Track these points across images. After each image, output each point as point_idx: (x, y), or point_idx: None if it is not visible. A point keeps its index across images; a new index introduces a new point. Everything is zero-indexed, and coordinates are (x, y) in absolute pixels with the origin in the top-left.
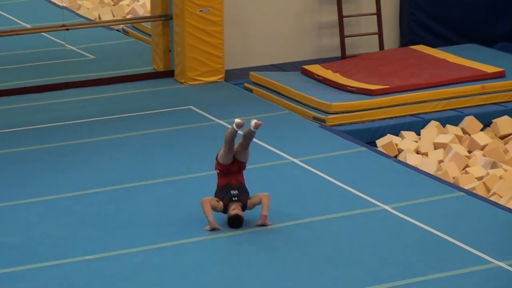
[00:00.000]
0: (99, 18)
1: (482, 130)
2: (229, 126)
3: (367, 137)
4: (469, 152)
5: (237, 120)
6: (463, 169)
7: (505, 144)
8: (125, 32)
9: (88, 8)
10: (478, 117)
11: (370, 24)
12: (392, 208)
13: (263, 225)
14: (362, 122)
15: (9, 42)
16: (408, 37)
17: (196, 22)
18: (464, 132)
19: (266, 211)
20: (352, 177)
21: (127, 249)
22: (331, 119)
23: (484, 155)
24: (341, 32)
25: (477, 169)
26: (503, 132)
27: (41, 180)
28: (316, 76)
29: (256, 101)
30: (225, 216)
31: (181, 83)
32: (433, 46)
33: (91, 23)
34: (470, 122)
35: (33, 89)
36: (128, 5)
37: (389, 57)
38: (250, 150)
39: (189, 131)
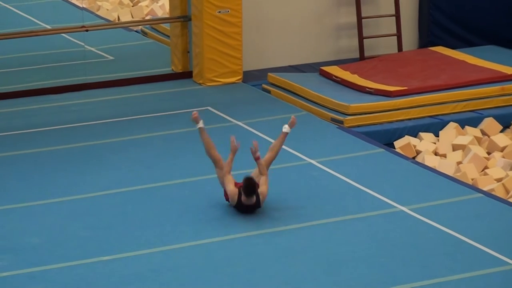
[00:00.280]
0: (118, 19)
1: (501, 131)
2: (247, 127)
3: (385, 138)
4: (488, 153)
5: (192, 116)
6: (482, 170)
7: None
8: (144, 33)
9: (107, 9)
10: (498, 118)
11: (389, 26)
12: (410, 209)
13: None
14: (380, 123)
15: (29, 43)
16: (427, 38)
17: (215, 23)
18: (484, 133)
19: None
20: (370, 178)
21: (145, 249)
22: (349, 120)
23: (503, 157)
24: (359, 33)
25: (496, 171)
26: None
27: (61, 181)
28: (334, 77)
29: (274, 102)
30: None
31: (199, 84)
32: (452, 47)
33: (110, 24)
34: (490, 123)
35: (52, 90)
36: (147, 6)
37: (408, 58)
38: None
39: (207, 132)
